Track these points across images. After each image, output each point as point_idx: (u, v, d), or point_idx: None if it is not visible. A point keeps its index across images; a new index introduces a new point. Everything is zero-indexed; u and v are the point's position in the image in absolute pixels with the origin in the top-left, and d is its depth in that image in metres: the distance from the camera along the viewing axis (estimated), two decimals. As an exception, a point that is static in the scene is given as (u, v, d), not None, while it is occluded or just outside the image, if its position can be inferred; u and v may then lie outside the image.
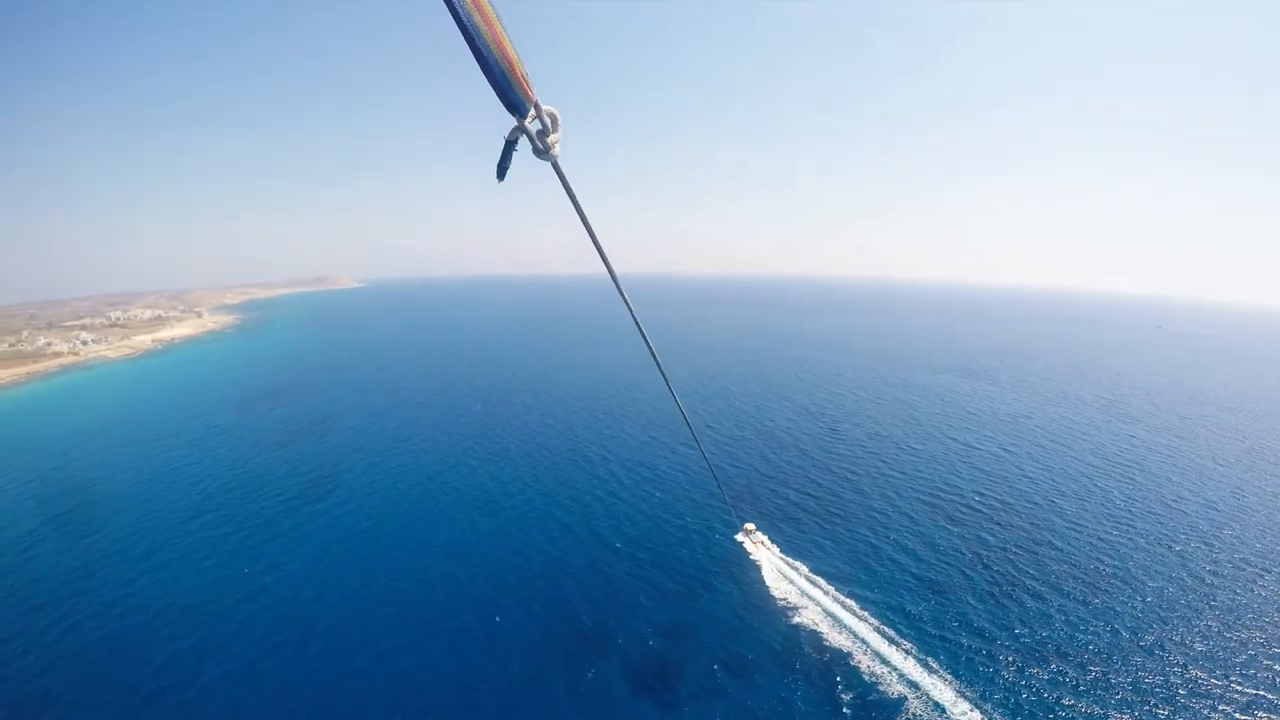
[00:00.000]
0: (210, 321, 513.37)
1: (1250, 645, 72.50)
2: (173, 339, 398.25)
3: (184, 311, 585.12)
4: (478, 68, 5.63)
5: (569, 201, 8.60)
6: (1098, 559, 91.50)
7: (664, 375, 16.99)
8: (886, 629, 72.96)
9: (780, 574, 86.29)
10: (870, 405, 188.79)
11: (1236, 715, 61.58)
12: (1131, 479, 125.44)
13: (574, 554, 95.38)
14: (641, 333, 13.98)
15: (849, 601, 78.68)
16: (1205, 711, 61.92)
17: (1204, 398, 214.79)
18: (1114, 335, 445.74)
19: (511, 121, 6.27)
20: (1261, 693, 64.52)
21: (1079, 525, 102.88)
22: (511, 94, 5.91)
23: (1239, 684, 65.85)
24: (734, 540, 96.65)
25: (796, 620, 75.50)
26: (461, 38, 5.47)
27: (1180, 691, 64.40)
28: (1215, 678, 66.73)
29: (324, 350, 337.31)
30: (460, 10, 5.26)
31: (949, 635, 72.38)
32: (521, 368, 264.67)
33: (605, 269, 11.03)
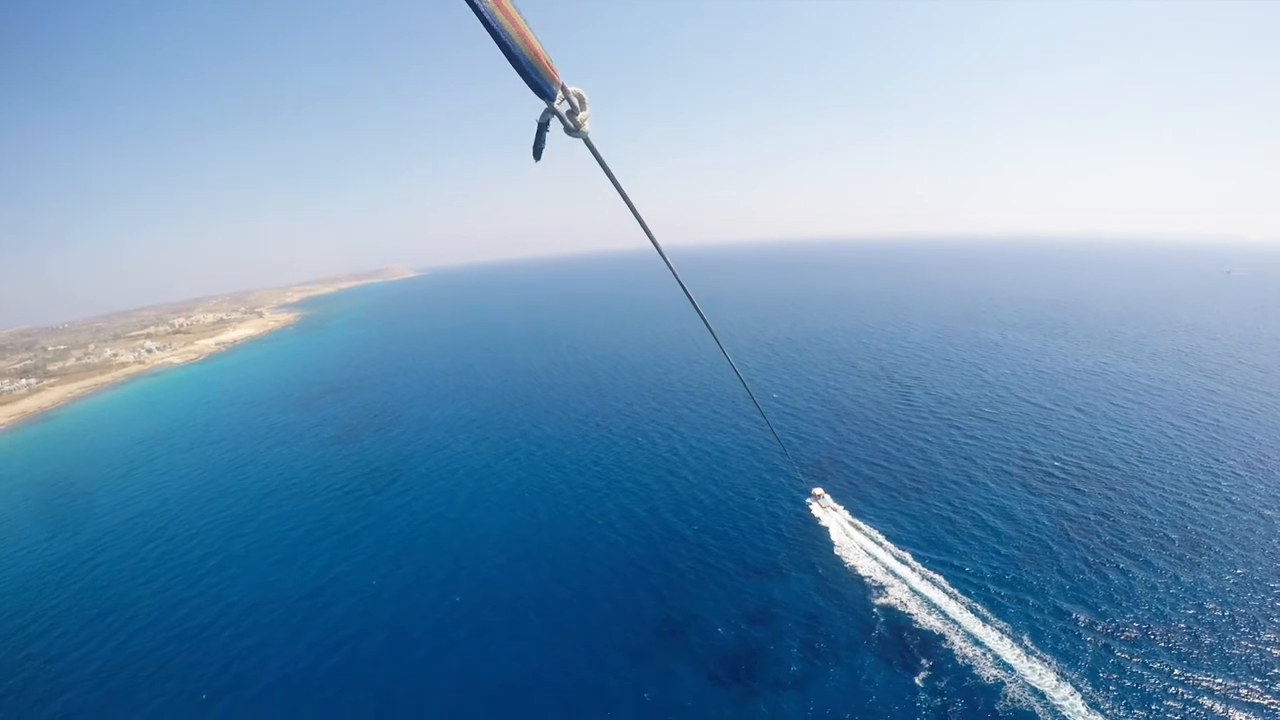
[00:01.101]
0: (272, 320, 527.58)
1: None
2: (235, 341, 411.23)
3: (246, 313, 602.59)
4: (505, 60, 6.32)
5: (604, 175, 9.08)
6: (1184, 526, 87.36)
7: (720, 344, 16.40)
8: (978, 606, 71.19)
9: (853, 549, 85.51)
10: (940, 369, 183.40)
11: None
12: (1214, 439, 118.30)
13: (638, 541, 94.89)
14: (694, 303, 13.58)
15: (935, 576, 77.22)
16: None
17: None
18: (1183, 282, 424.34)
19: (541, 105, 6.98)
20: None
21: (1162, 491, 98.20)
22: (539, 80, 6.64)
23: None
24: (804, 516, 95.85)
25: (878, 600, 74.44)
26: (489, 35, 6.11)
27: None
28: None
29: (385, 342, 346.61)
30: (484, 11, 5.86)
31: (1034, 613, 70.27)
32: (577, 347, 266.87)
33: (649, 239, 10.98)
